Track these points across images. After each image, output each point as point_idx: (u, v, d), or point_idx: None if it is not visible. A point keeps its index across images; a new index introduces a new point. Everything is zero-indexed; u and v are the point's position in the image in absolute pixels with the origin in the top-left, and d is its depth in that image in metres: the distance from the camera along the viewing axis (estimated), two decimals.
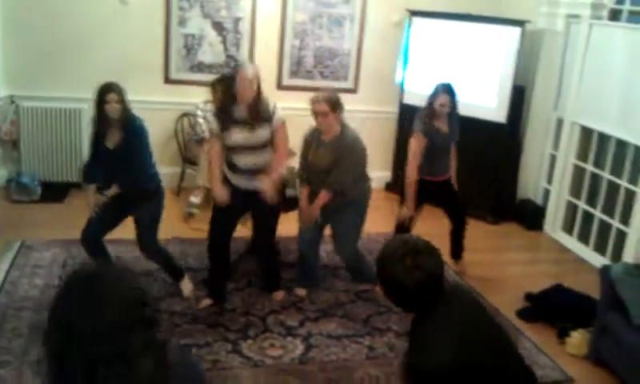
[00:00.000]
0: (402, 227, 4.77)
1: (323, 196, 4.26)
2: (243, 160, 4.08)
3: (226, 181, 4.17)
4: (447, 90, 4.69)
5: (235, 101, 4.00)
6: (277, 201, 4.19)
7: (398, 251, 2.08)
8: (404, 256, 2.06)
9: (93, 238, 4.15)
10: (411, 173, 4.67)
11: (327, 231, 4.57)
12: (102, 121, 4.01)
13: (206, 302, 4.29)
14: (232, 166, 4.14)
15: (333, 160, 4.21)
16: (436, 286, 2.10)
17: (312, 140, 4.34)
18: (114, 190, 4.11)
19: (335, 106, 4.16)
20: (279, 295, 4.48)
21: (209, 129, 4.20)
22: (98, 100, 3.97)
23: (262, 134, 4.05)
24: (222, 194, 4.09)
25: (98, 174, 4.20)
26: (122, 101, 3.98)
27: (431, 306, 2.10)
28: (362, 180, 4.39)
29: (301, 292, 4.55)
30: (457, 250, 5.08)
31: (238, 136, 4.03)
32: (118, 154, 4.02)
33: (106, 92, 3.95)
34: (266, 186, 4.07)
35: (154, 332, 1.46)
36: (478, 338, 2.08)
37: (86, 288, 1.44)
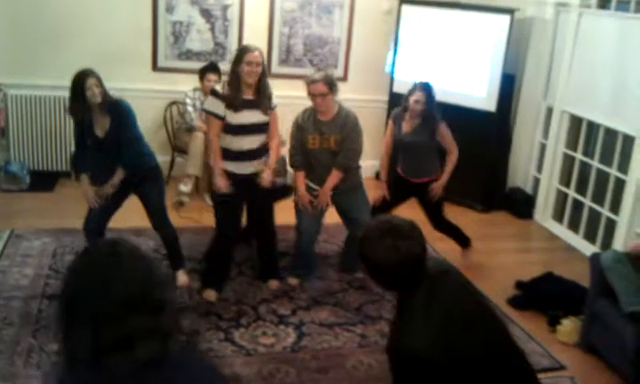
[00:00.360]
0: (375, 210, 4.76)
1: (335, 175, 4.30)
2: (245, 142, 4.07)
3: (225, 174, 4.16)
4: (424, 87, 4.60)
5: (240, 84, 3.98)
6: (272, 184, 4.22)
7: (379, 231, 2.11)
8: (384, 236, 2.08)
9: (97, 227, 4.14)
10: (382, 151, 4.81)
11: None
12: (83, 108, 3.93)
13: (212, 294, 4.21)
14: (228, 153, 4.10)
15: (340, 139, 4.24)
16: (416, 266, 2.11)
17: (307, 124, 4.31)
18: (118, 176, 4.06)
19: (332, 85, 4.18)
20: (274, 284, 4.46)
21: (207, 112, 4.11)
22: (78, 88, 3.88)
23: (265, 116, 4.09)
24: (223, 182, 4.07)
25: (88, 163, 4.15)
26: (101, 85, 3.93)
27: (413, 287, 2.11)
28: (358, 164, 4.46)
29: (293, 281, 4.54)
30: (461, 241, 5.07)
31: (248, 116, 4.01)
32: (109, 140, 3.98)
33: (84, 78, 3.87)
34: (265, 174, 4.14)
35: (161, 317, 1.45)
36: (463, 321, 2.09)
37: (98, 264, 1.45)
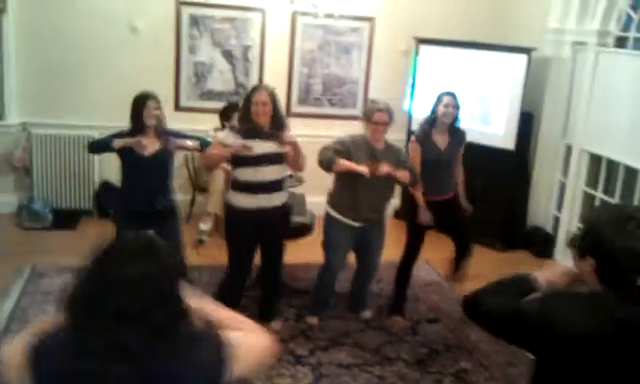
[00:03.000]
0: (409, 254, 4.73)
1: (419, 188, 4.41)
2: (265, 173, 4.07)
3: (235, 211, 4.15)
4: (449, 93, 4.59)
5: (251, 123, 4.02)
6: (279, 223, 4.22)
7: (618, 216, 1.80)
8: (626, 221, 1.76)
9: None
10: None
11: None
12: (138, 127, 4.12)
13: None
14: (246, 186, 4.09)
15: (395, 163, 4.26)
16: None
17: (358, 150, 4.24)
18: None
19: (393, 116, 4.29)
20: (278, 325, 4.42)
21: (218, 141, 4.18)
22: (136, 106, 4.13)
23: (275, 145, 4.09)
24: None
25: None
26: (160, 109, 4.17)
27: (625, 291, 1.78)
28: None
29: (312, 320, 4.54)
30: (458, 271, 4.93)
31: (264, 146, 4.03)
32: (154, 163, 4.15)
33: (146, 99, 4.12)
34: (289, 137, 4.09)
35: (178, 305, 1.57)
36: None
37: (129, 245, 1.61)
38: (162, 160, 4.19)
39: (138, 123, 4.11)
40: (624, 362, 1.74)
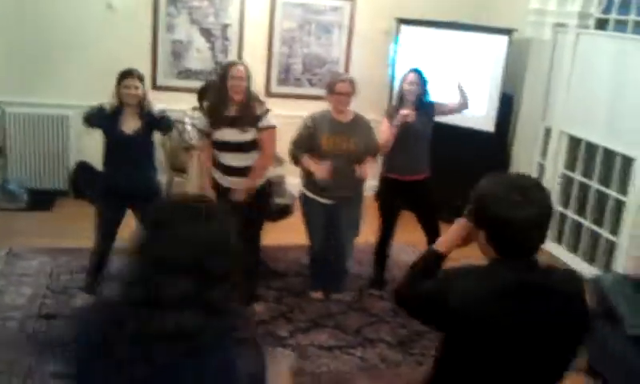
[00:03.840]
0: (383, 234, 4.74)
1: (371, 160, 4.39)
2: (231, 159, 4.07)
3: (215, 184, 4.19)
4: (414, 70, 4.63)
5: (226, 99, 3.98)
6: (254, 206, 4.17)
7: (503, 187, 1.82)
8: (510, 191, 1.79)
9: (110, 232, 4.16)
10: (383, 143, 4.55)
11: None
12: (118, 104, 4.09)
13: None
14: (218, 166, 4.15)
15: (360, 142, 4.29)
16: (543, 227, 1.81)
17: (320, 125, 4.28)
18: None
19: (355, 87, 4.32)
20: (260, 307, 4.40)
21: (197, 130, 4.17)
22: (117, 83, 4.09)
23: (251, 134, 4.05)
24: (207, 183, 4.17)
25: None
26: (140, 87, 4.10)
27: (520, 256, 1.82)
28: None
29: (316, 295, 4.57)
30: None
31: (228, 133, 4.02)
32: (135, 141, 4.10)
33: (125, 76, 4.07)
34: (243, 184, 4.09)
35: (213, 290, 1.42)
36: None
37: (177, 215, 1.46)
38: (144, 138, 4.15)
39: (118, 100, 4.06)
40: (520, 328, 1.76)
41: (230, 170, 4.12)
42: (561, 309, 1.80)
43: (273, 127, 4.12)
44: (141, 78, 4.14)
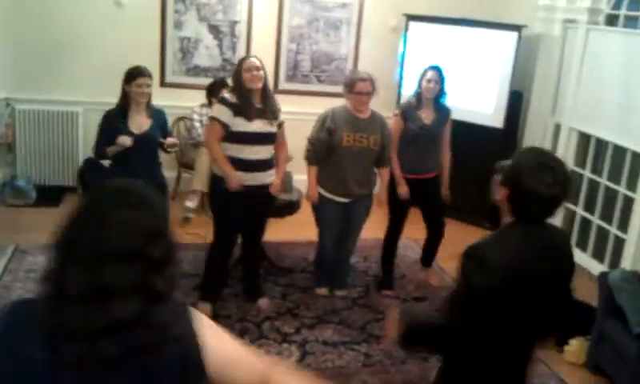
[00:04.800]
0: (391, 230, 4.73)
1: (386, 173, 4.40)
2: (256, 151, 4.02)
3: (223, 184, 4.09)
4: (434, 67, 4.58)
5: (247, 93, 3.96)
6: (266, 204, 4.20)
7: (536, 162, 2.08)
8: (544, 170, 2.04)
9: None
10: (391, 155, 4.54)
11: None
12: (125, 102, 4.07)
13: (206, 307, 4.08)
14: (239, 163, 4.00)
15: (380, 139, 4.28)
16: (559, 205, 2.10)
17: (340, 124, 4.25)
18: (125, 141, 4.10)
19: (375, 87, 4.29)
20: (265, 302, 4.40)
21: (220, 123, 3.98)
22: (127, 81, 4.07)
23: (275, 126, 4.07)
24: (236, 176, 3.95)
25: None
26: (151, 87, 4.16)
27: (535, 221, 2.10)
28: None
29: (321, 291, 4.56)
30: (428, 257, 4.95)
31: (259, 125, 3.99)
32: (143, 141, 4.10)
33: (138, 75, 4.06)
34: (276, 182, 4.14)
35: (153, 277, 1.35)
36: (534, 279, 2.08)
37: (101, 204, 1.40)
38: (151, 138, 4.16)
39: (126, 98, 4.04)
40: (541, 275, 2.06)
41: (254, 165, 4.04)
42: (561, 256, 2.17)
43: (283, 122, 4.17)
44: (151, 77, 4.16)
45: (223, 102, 4.01)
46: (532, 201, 2.05)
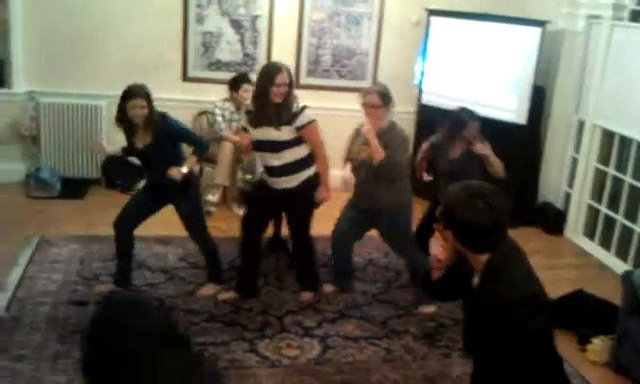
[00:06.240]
0: (420, 234, 4.70)
1: (377, 149, 4.07)
2: (269, 160, 4.08)
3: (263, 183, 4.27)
4: (473, 116, 4.48)
5: (268, 102, 3.96)
6: (299, 199, 4.18)
7: (464, 195, 2.15)
8: (472, 198, 2.13)
9: (127, 227, 4.19)
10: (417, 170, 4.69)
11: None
12: (126, 123, 4.03)
13: (229, 294, 4.30)
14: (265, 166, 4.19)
15: (387, 149, 4.11)
16: (505, 224, 2.18)
17: (356, 137, 4.31)
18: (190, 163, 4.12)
19: (387, 99, 4.16)
20: (306, 296, 4.44)
21: (239, 126, 4.17)
22: (122, 103, 3.95)
23: (285, 133, 4.02)
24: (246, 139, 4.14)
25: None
26: (148, 105, 3.95)
27: (499, 245, 2.17)
28: (405, 185, 4.34)
29: (328, 288, 4.55)
30: None
31: (262, 133, 4.03)
32: (149, 154, 4.07)
33: (131, 97, 3.90)
34: (320, 193, 4.15)
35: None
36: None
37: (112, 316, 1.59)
38: (157, 149, 4.03)
39: (124, 118, 3.98)
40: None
41: (269, 171, 4.13)
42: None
43: (312, 121, 4.06)
44: (146, 97, 3.95)
45: (233, 101, 4.17)
46: (474, 232, 2.13)
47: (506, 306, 2.07)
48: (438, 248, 2.37)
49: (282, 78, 3.92)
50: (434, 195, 4.66)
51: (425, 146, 4.70)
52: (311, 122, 4.05)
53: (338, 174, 4.49)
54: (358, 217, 4.40)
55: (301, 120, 4.01)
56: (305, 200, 4.20)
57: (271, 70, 3.98)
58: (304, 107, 4.05)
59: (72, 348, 3.55)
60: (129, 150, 4.20)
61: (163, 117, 4.04)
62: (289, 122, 4.00)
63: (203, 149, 4.22)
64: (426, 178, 4.74)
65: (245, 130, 4.17)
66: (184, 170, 4.02)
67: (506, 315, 2.07)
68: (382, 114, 4.15)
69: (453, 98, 6.24)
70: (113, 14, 6.06)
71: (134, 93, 3.91)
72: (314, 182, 4.18)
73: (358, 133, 4.29)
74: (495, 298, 2.12)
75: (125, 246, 4.22)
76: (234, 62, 6.42)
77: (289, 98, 4.00)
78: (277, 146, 4.03)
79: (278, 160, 4.06)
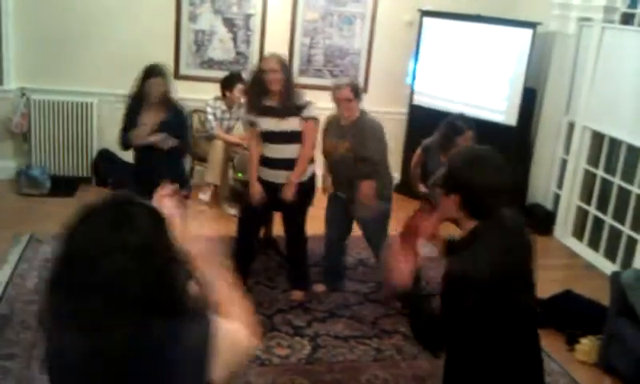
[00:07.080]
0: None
1: (366, 186, 4.19)
2: (273, 149, 4.10)
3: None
4: (471, 126, 4.46)
5: (264, 90, 4.01)
6: (297, 198, 4.18)
7: (471, 156, 2.19)
8: (479, 159, 2.15)
9: None
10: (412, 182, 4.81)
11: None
12: (140, 98, 4.18)
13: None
14: (262, 159, 4.17)
15: (351, 146, 4.20)
16: (508, 188, 2.16)
17: (330, 128, 4.35)
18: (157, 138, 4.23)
19: (358, 92, 4.22)
20: (298, 294, 4.45)
21: (244, 120, 4.17)
22: (142, 80, 4.18)
23: (293, 123, 4.06)
24: (258, 191, 4.16)
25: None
26: (166, 84, 4.23)
27: (494, 214, 2.14)
28: (385, 173, 4.41)
29: (319, 288, 4.56)
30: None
31: (269, 123, 4.05)
32: (159, 127, 4.20)
33: (150, 75, 4.16)
34: (286, 188, 4.12)
35: (149, 307, 1.43)
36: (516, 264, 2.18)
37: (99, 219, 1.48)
38: (166, 130, 4.19)
39: (141, 95, 4.12)
40: (521, 263, 2.19)
41: (271, 163, 4.14)
42: (528, 243, 2.25)
43: (313, 118, 4.12)
44: (164, 76, 4.23)
45: (225, 100, 4.23)
46: (484, 194, 2.09)
47: (455, 273, 2.09)
48: (430, 247, 2.37)
49: (269, 63, 3.99)
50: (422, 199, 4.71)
51: (418, 151, 4.76)
52: (315, 119, 4.14)
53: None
54: (342, 213, 4.45)
55: (308, 111, 4.09)
56: (303, 197, 4.23)
57: (261, 58, 4.09)
58: (309, 102, 4.14)
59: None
60: (129, 126, 4.27)
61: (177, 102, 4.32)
62: (296, 113, 4.05)
63: (185, 146, 4.44)
64: (423, 189, 4.75)
65: (252, 124, 4.15)
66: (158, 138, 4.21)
67: (449, 281, 2.10)
68: (354, 107, 4.21)
69: (444, 99, 6.29)
70: (105, 11, 6.04)
71: (153, 71, 4.20)
72: (313, 182, 4.29)
73: (330, 124, 4.34)
74: (455, 262, 2.15)
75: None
76: (226, 61, 6.42)
77: (288, 87, 4.03)
78: (289, 137, 4.08)
79: (286, 152, 4.10)
